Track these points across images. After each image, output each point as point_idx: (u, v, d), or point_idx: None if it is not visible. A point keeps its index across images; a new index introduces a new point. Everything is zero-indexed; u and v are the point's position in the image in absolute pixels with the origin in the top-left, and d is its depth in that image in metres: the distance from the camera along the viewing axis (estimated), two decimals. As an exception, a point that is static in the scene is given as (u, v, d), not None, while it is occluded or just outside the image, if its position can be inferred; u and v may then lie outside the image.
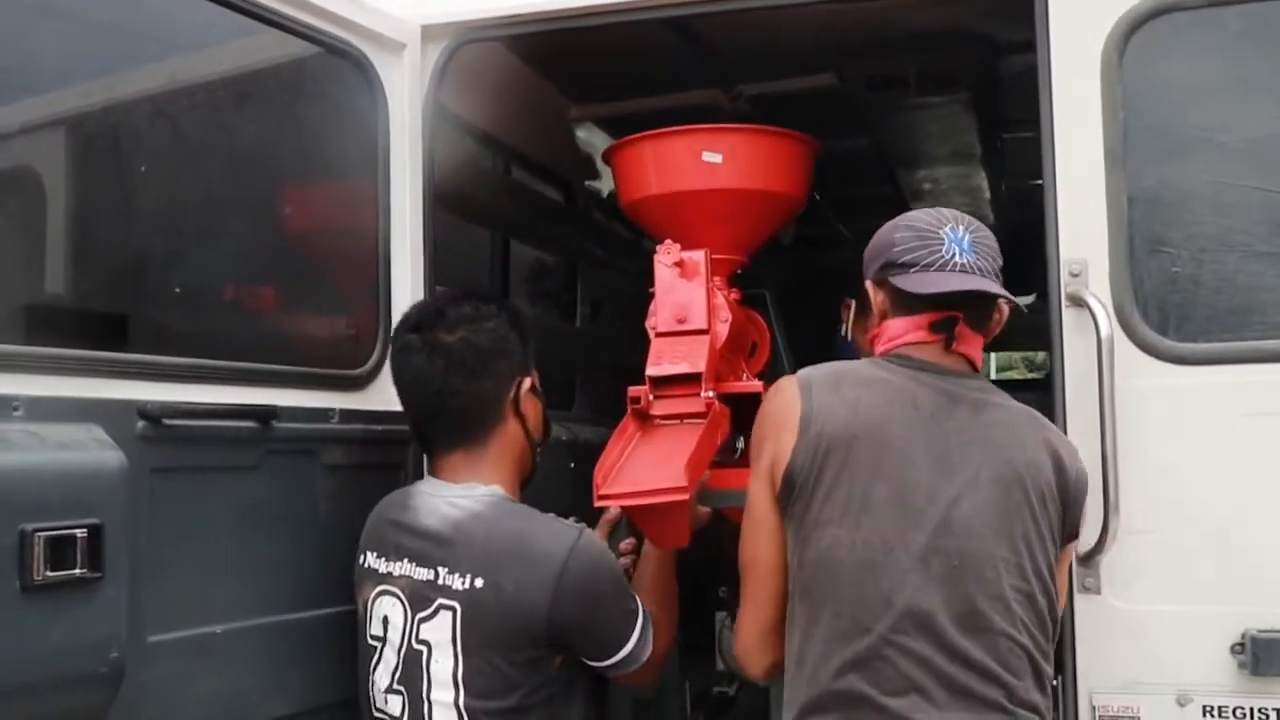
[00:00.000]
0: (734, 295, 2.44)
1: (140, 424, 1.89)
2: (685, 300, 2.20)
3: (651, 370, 2.15)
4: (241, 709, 2.09)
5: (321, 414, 2.24)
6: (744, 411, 2.22)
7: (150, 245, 2.19)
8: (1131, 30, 2.05)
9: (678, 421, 2.16)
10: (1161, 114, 2.11)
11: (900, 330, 1.89)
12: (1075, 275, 2.07)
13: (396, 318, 2.30)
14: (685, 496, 1.97)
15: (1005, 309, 1.88)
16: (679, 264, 2.20)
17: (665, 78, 2.99)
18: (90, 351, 1.92)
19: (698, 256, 2.22)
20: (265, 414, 2.09)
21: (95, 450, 1.78)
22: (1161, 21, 2.05)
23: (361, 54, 2.39)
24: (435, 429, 2.18)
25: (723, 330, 2.26)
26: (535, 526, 2.07)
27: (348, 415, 2.28)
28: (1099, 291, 2.04)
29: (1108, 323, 2.00)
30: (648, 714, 2.68)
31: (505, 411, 2.16)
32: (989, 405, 1.83)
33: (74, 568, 1.68)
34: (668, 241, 2.22)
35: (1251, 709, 1.97)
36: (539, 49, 2.40)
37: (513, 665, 2.00)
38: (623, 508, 2.12)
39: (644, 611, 2.10)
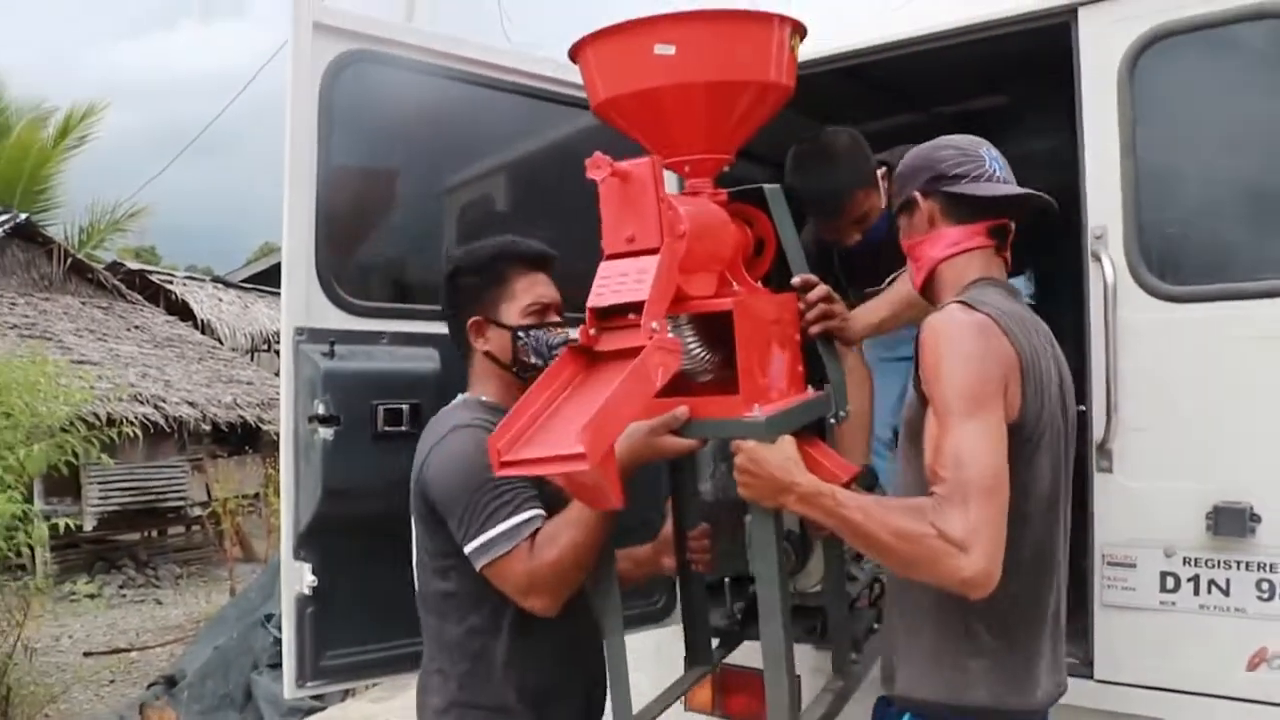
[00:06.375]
0: (720, 196, 2.14)
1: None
2: (632, 215, 1.83)
3: (592, 300, 1.79)
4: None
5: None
6: (721, 328, 1.97)
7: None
8: (1140, 52, 2.54)
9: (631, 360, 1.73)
10: (1164, 117, 2.55)
11: (960, 236, 2.02)
12: (1098, 238, 2.56)
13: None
14: (584, 466, 1.54)
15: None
16: (616, 175, 1.82)
17: (843, 109, 3.60)
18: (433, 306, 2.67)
19: (642, 164, 1.83)
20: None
21: (422, 362, 2.72)
22: (1164, 43, 2.52)
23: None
24: None
25: (679, 246, 1.86)
26: (442, 420, 2.27)
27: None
28: (1114, 249, 2.55)
29: (1113, 272, 2.51)
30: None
31: (468, 344, 2.34)
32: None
33: (401, 426, 2.61)
34: (596, 154, 1.82)
35: (1215, 559, 2.47)
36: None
37: (436, 530, 2.21)
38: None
39: (520, 525, 2.07)
